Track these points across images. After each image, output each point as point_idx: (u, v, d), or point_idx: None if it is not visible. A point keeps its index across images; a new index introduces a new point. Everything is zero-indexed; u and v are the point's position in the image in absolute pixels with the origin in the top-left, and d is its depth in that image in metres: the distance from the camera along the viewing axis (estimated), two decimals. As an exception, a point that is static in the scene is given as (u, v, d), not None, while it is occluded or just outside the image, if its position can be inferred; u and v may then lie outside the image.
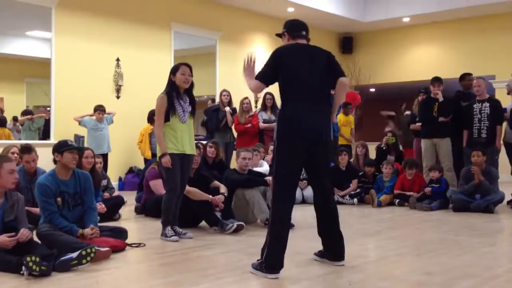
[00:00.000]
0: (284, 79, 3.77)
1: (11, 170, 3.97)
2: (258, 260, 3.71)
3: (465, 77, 8.44)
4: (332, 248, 3.95)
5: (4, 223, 3.95)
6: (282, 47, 3.89)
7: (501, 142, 7.76)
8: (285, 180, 3.72)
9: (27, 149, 5.75)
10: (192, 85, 5.00)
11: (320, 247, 4.03)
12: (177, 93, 4.91)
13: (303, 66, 3.79)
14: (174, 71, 4.95)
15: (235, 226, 5.18)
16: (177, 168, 4.87)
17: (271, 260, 3.61)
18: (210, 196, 5.45)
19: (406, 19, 12.88)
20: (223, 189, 5.68)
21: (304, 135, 3.72)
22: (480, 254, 4.41)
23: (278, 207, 3.70)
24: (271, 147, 8.06)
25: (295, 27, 3.99)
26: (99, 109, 8.82)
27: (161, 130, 4.88)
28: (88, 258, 3.75)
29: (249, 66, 3.90)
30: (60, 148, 4.33)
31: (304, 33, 3.96)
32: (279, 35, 4.08)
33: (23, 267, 3.49)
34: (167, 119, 4.85)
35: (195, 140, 5.29)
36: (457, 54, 12.69)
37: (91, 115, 8.80)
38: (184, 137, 4.92)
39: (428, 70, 11.91)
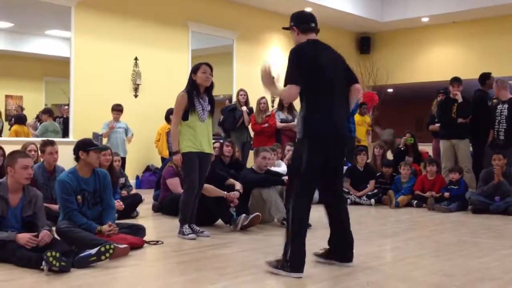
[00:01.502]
0: (309, 78, 3.69)
1: (25, 166, 3.98)
2: (277, 260, 3.68)
3: (490, 77, 8.29)
4: (342, 250, 3.90)
5: (23, 218, 4.01)
6: (302, 46, 3.81)
7: None
8: (307, 178, 3.70)
9: (49, 142, 5.82)
10: (212, 85, 5.02)
11: (321, 247, 4.00)
12: (197, 92, 4.93)
13: (326, 64, 3.75)
14: (195, 70, 4.96)
15: (243, 218, 5.17)
16: (195, 167, 4.88)
17: (295, 259, 3.58)
18: (225, 193, 5.46)
19: (425, 19, 12.77)
20: (238, 186, 5.69)
21: (329, 133, 3.69)
22: (499, 257, 4.35)
23: (298, 206, 3.68)
24: (288, 147, 8.05)
25: (303, 20, 3.91)
26: (116, 108, 8.87)
27: (177, 127, 4.90)
28: (107, 255, 3.77)
29: (266, 74, 3.78)
30: (87, 146, 4.37)
31: (313, 25, 3.89)
32: (287, 29, 4.01)
33: (43, 262, 3.52)
34: (186, 117, 4.87)
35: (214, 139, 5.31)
36: (476, 54, 12.54)
37: (110, 127, 8.79)
38: (203, 136, 4.93)
39: (447, 71, 11.79)
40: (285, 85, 3.70)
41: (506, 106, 7.54)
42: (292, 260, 3.58)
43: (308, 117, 3.70)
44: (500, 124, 7.54)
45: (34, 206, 4.08)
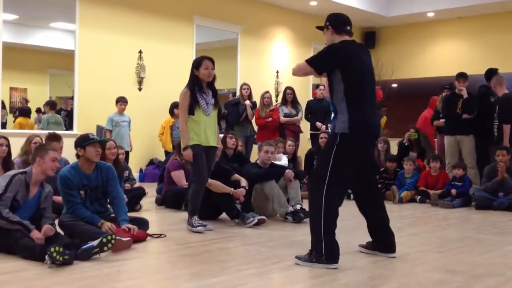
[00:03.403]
0: (351, 80, 3.75)
1: (54, 158, 4.13)
2: (308, 254, 3.73)
3: (496, 73, 8.26)
4: (386, 242, 4.04)
5: (37, 209, 4.06)
6: (345, 44, 3.85)
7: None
8: (344, 180, 3.76)
9: (56, 137, 5.82)
10: (214, 78, 5.01)
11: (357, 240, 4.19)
12: (199, 87, 4.93)
13: (366, 67, 3.88)
14: (197, 65, 4.96)
15: (256, 220, 5.19)
16: (203, 160, 4.90)
17: (330, 252, 3.66)
18: (232, 189, 5.46)
19: (430, 14, 12.72)
20: (243, 182, 5.68)
21: (372, 137, 3.91)
22: (503, 253, 4.35)
23: (331, 204, 3.70)
24: (289, 142, 8.05)
25: (341, 22, 3.95)
26: (121, 100, 8.85)
27: (185, 124, 4.90)
28: (109, 245, 3.77)
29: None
30: (82, 142, 4.36)
31: (349, 28, 3.95)
32: (320, 28, 4.05)
33: (46, 257, 3.52)
34: (191, 112, 4.88)
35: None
36: (482, 50, 12.49)
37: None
38: (208, 130, 4.94)
39: (452, 66, 11.75)
40: (306, 60, 3.88)
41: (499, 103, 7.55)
42: (327, 253, 3.65)
43: (352, 122, 3.71)
44: (495, 121, 7.57)
45: (48, 199, 4.15)
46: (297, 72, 3.98)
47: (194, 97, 4.88)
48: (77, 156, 4.42)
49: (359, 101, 3.77)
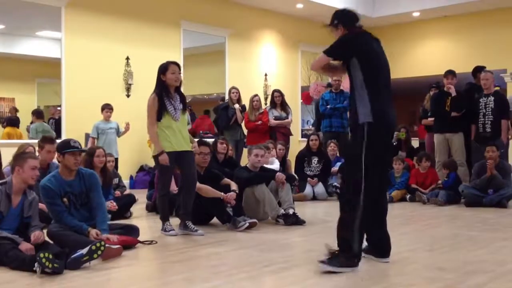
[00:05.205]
0: (368, 69, 3.73)
1: (34, 167, 4.07)
2: (333, 259, 3.58)
3: (483, 71, 8.30)
4: (380, 245, 3.90)
5: (22, 218, 4.02)
6: (360, 33, 3.85)
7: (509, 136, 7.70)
8: (377, 174, 3.67)
9: (49, 139, 5.76)
10: (180, 83, 5.08)
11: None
12: (167, 92, 4.97)
13: (380, 57, 3.89)
14: (163, 70, 5.02)
15: (247, 224, 5.18)
16: (169, 167, 4.96)
17: (358, 253, 3.64)
18: (222, 194, 5.45)
19: (416, 14, 12.79)
20: (234, 186, 5.68)
21: (390, 130, 3.84)
22: (493, 249, 4.38)
23: (367, 198, 3.62)
24: (280, 146, 8.06)
25: (350, 19, 3.95)
26: (107, 107, 8.79)
27: (155, 129, 4.93)
28: (99, 252, 3.74)
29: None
30: (61, 149, 4.31)
31: (358, 24, 3.94)
32: (332, 26, 4.00)
33: (36, 264, 3.50)
34: (159, 119, 4.92)
35: (206, 138, 5.31)
36: (468, 48, 12.57)
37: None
38: (179, 135, 4.98)
39: (439, 65, 11.81)
40: (323, 51, 3.81)
41: (492, 98, 7.56)
42: (358, 255, 3.62)
43: (372, 115, 3.65)
44: (486, 117, 7.56)
45: (33, 207, 4.11)
46: (316, 64, 3.92)
47: (162, 103, 4.90)
48: (58, 160, 4.40)
49: (378, 91, 3.73)
